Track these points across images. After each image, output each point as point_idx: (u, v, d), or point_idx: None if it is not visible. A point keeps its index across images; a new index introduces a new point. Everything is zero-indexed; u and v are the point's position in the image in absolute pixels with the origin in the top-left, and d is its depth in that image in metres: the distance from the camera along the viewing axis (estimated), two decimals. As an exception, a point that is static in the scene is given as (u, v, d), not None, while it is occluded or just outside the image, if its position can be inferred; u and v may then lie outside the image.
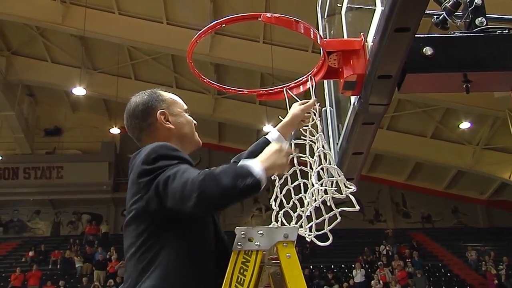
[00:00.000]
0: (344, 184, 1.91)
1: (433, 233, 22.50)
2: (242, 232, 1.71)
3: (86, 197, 22.77)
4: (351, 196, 1.87)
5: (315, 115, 2.03)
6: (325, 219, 1.91)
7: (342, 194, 1.88)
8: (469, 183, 21.48)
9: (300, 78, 2.12)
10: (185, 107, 2.08)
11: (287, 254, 1.68)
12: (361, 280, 17.40)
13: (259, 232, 1.71)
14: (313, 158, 1.99)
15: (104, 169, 23.00)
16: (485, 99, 14.90)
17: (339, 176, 1.91)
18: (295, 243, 1.72)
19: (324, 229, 1.91)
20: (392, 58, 1.70)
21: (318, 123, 2.02)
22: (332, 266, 19.27)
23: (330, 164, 1.95)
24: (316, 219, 1.92)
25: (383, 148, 18.81)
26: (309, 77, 2.08)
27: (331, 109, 2.72)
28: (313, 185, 1.93)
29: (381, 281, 17.16)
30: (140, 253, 1.72)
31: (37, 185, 22.76)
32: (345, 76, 1.89)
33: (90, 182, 22.32)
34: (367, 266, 18.61)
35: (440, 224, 23.92)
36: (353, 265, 18.23)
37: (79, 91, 18.73)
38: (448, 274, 18.86)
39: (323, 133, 2.76)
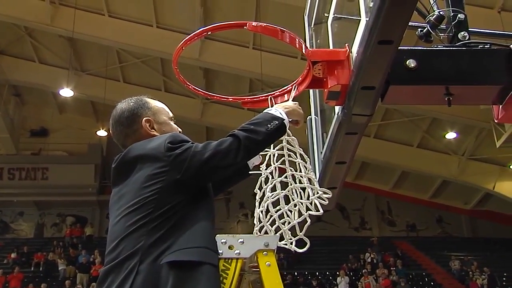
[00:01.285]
0: (319, 192, 1.91)
1: (418, 242, 22.62)
2: (223, 240, 1.71)
3: (71, 199, 22.62)
4: (316, 201, 1.90)
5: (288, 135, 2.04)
6: (302, 225, 1.91)
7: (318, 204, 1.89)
8: (454, 193, 21.65)
9: (285, 87, 2.13)
10: (171, 115, 2.09)
11: (266, 263, 1.68)
12: (345, 287, 17.43)
13: (240, 240, 1.71)
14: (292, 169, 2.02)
15: (90, 171, 22.86)
16: (471, 110, 15.05)
17: (315, 185, 1.92)
18: (275, 251, 1.72)
19: (299, 236, 1.91)
20: (376, 69, 1.71)
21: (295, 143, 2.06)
22: (317, 273, 19.27)
23: (308, 173, 1.96)
24: (288, 225, 1.92)
25: (369, 156, 18.91)
26: (293, 86, 2.09)
27: (316, 117, 2.73)
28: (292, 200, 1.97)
29: (365, 289, 17.21)
30: (156, 223, 1.74)
31: (21, 186, 22.56)
32: (329, 86, 1.90)
33: (75, 184, 22.18)
34: (351, 273, 18.64)
35: (424, 233, 24.08)
36: (337, 273, 18.24)
37: (66, 92, 18.62)
38: (432, 283, 18.95)
39: (308, 142, 2.78)
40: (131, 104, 2.07)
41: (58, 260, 19.32)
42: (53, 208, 23.61)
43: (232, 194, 23.21)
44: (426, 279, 19.24)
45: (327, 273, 19.40)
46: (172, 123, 2.08)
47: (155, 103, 2.10)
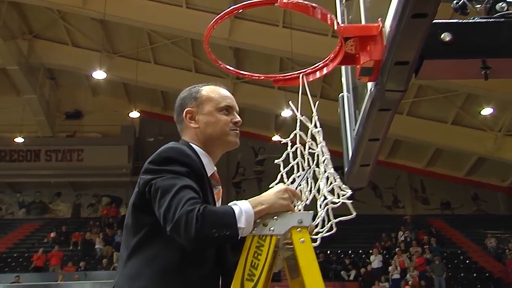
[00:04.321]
0: (340, 188, 1.88)
1: (452, 219, 22.36)
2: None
3: (105, 180, 23.04)
4: (347, 202, 1.84)
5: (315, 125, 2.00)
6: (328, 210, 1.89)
7: (338, 198, 1.86)
8: (490, 170, 21.25)
9: (317, 64, 2.11)
10: (223, 105, 1.97)
11: (301, 239, 1.69)
12: (378, 266, 17.40)
13: (274, 217, 1.72)
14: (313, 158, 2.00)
15: (123, 152, 23.22)
16: (508, 85, 14.66)
17: (335, 181, 1.89)
18: (309, 228, 1.73)
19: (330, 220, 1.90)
20: (409, 44, 1.68)
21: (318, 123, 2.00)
22: (350, 251, 19.29)
23: (328, 166, 1.93)
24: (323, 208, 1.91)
25: (402, 134, 18.67)
26: (326, 63, 2.07)
27: (348, 95, 2.71)
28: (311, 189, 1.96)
29: (398, 267, 17.14)
30: (135, 252, 1.76)
31: (58, 167, 23.10)
32: (361, 62, 1.88)
33: (109, 165, 22.56)
34: (384, 252, 18.59)
35: (459, 211, 23.74)
36: (370, 251, 18.22)
37: (99, 74, 18.88)
38: (467, 261, 18.77)
39: (341, 120, 2.75)
40: (184, 93, 2.02)
41: (96, 240, 19.82)
42: (88, 189, 24.14)
43: (264, 174, 23.32)
44: (461, 257, 19.05)
45: (360, 251, 19.39)
46: (219, 114, 1.95)
47: (207, 92, 1.99)
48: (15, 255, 19.90)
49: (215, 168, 1.96)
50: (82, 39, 20.05)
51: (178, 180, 1.69)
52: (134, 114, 21.92)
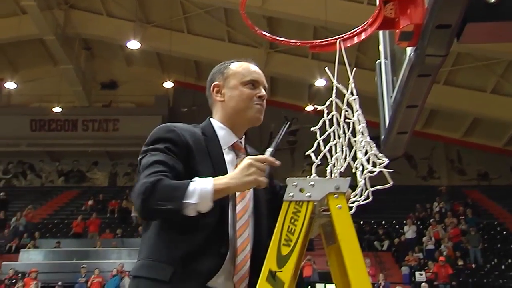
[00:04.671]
0: (376, 157, 1.86)
1: (490, 190, 21.96)
2: (294, 183, 1.72)
3: (140, 149, 23.38)
4: (385, 170, 1.82)
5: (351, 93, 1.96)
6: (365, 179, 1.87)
7: (375, 167, 1.83)
8: (530, 140, 20.72)
9: (355, 29, 2.07)
10: (248, 79, 1.98)
11: (337, 205, 1.68)
12: (412, 236, 17.33)
13: (310, 183, 1.71)
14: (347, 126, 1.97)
15: (157, 122, 23.07)
16: (551, 52, 14.15)
17: (372, 150, 1.87)
18: (346, 194, 1.72)
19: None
20: (452, 6, 1.62)
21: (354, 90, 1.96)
22: (383, 221, 19.24)
23: (364, 135, 1.91)
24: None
25: (439, 103, 18.29)
26: (364, 28, 2.03)
27: (386, 61, 2.65)
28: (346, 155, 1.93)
29: (433, 238, 17.03)
30: (145, 228, 1.89)
31: (94, 137, 23.57)
32: (401, 26, 1.82)
33: (144, 135, 22.65)
34: (418, 222, 18.47)
35: (497, 182, 23.29)
36: (404, 221, 18.12)
37: (133, 44, 19.01)
38: (504, 232, 18.49)
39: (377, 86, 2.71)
40: (214, 69, 2.07)
41: (131, 208, 20.27)
42: (124, 158, 24.56)
43: (297, 144, 23.29)
44: (497, 228, 18.79)
45: (394, 222, 19.31)
46: (244, 88, 1.97)
47: (235, 67, 2.02)
48: (56, 221, 20.59)
49: (236, 139, 1.97)
50: (117, 9, 20.14)
51: (153, 157, 1.77)
52: (168, 84, 22.08)
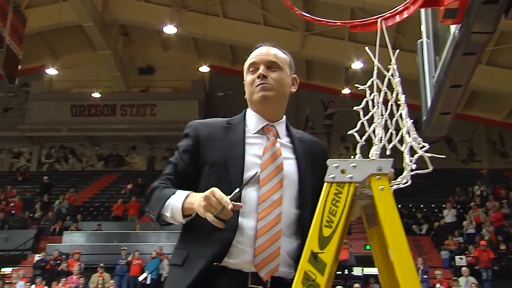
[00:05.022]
0: (416, 140, 1.82)
1: (534, 173, 21.36)
2: (335, 164, 1.71)
3: (177, 134, 23.39)
4: (425, 157, 1.78)
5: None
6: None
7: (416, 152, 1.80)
8: None
9: (397, 7, 2.02)
10: (247, 64, 2.01)
11: (380, 187, 1.66)
12: (452, 220, 17.05)
13: (352, 164, 1.70)
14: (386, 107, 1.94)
15: (194, 107, 23.65)
16: None
17: (414, 136, 1.83)
18: (388, 175, 1.70)
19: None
20: (500, -20, 1.57)
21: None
22: (421, 205, 18.97)
23: (404, 119, 1.87)
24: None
25: (480, 85, 17.79)
26: (406, 6, 1.98)
27: (428, 40, 2.59)
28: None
29: (474, 222, 16.71)
30: None
31: (132, 121, 23.94)
32: (446, 3, 1.78)
33: (181, 119, 22.95)
34: (459, 206, 18.14)
35: (541, 165, 22.63)
36: (443, 205, 17.83)
37: (169, 29, 19.14)
38: (548, 217, 17.99)
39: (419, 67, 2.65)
40: None
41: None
42: (162, 142, 24.85)
43: (333, 128, 23.12)
44: (541, 212, 18.27)
45: (432, 205, 19.03)
46: (248, 74, 2.00)
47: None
48: (96, 204, 21.10)
49: (265, 123, 1.97)
50: (152, -7, 20.29)
51: (172, 157, 2.05)
52: (204, 69, 22.18)
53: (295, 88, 2.07)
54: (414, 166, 1.81)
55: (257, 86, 1.95)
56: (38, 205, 20.12)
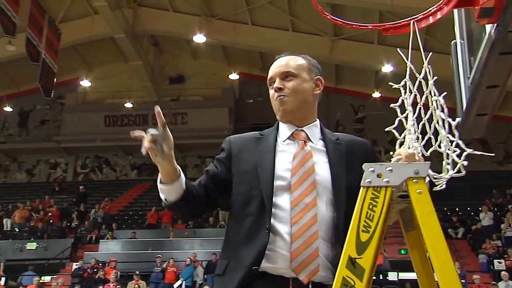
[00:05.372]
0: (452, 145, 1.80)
1: None
2: (371, 168, 1.69)
3: (208, 141, 23.76)
4: (457, 161, 1.76)
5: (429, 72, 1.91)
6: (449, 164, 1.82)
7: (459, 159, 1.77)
8: None
9: (430, 9, 2.01)
10: (268, 78, 2.04)
11: (417, 190, 1.65)
12: (489, 223, 16.66)
13: (388, 168, 1.68)
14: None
15: (224, 114, 23.79)
16: None
17: (455, 137, 1.81)
18: (426, 179, 1.68)
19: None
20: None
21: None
22: (457, 208, 18.60)
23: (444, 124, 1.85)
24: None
25: (515, 85, 17.39)
26: (439, 6, 1.96)
27: (462, 41, 2.56)
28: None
29: (512, 225, 16.31)
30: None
31: (164, 130, 24.13)
32: (481, 3, 1.75)
33: (211, 127, 23.20)
34: (496, 209, 17.72)
35: None
36: (480, 208, 17.44)
37: (199, 38, 19.32)
38: None
39: (453, 68, 2.62)
40: None
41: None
42: (193, 150, 25.02)
43: (364, 131, 22.91)
44: None
45: (468, 208, 18.64)
46: (270, 89, 2.04)
47: None
48: (131, 213, 21.37)
49: (294, 129, 2.01)
50: (182, 4, 20.52)
51: (209, 166, 2.10)
52: (234, 76, 22.29)
53: (319, 89, 2.06)
54: (451, 172, 1.78)
55: (276, 99, 1.99)
56: (74, 214, 20.50)
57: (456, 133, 1.84)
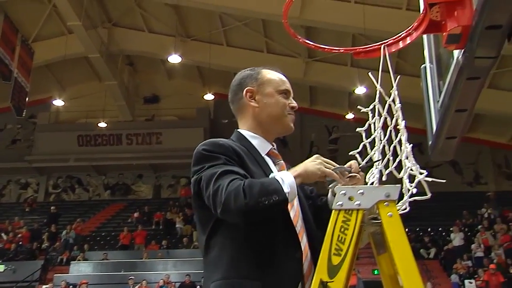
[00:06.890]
0: (416, 170, 1.82)
1: (541, 196, 21.15)
2: (342, 191, 1.71)
3: (183, 161, 23.54)
4: (423, 183, 1.77)
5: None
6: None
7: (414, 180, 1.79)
8: None
9: (399, 34, 2.05)
10: (283, 88, 2.02)
11: (388, 213, 1.66)
12: (459, 243, 16.86)
13: (359, 191, 1.70)
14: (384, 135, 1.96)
15: (199, 134, 23.67)
16: None
17: (412, 162, 1.83)
18: (396, 202, 1.69)
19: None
20: (503, 6, 1.59)
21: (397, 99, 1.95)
22: (429, 229, 18.80)
23: (403, 145, 1.88)
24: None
25: (484, 107, 17.75)
26: (409, 32, 2.00)
27: (431, 65, 2.61)
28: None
29: (482, 245, 16.53)
30: (208, 249, 1.85)
31: (138, 150, 23.99)
32: (448, 29, 1.79)
33: (186, 147, 22.98)
34: (466, 229, 17.96)
35: (548, 187, 22.44)
36: (450, 229, 17.66)
37: (174, 58, 19.32)
38: (558, 239, 17.75)
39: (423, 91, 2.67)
40: (244, 73, 2.09)
41: (176, 219, 20.48)
42: (168, 170, 24.85)
43: (338, 152, 23.08)
44: (551, 235, 18.04)
45: (440, 229, 18.85)
46: (279, 96, 2.01)
47: (267, 74, 2.06)
48: (103, 234, 21.01)
49: (271, 146, 2.01)
50: (157, 25, 20.54)
51: (217, 168, 1.77)
52: (209, 97, 22.29)
53: None
54: (415, 191, 1.80)
55: (289, 113, 2.03)
56: (45, 235, 20.06)
57: (412, 159, 1.86)
